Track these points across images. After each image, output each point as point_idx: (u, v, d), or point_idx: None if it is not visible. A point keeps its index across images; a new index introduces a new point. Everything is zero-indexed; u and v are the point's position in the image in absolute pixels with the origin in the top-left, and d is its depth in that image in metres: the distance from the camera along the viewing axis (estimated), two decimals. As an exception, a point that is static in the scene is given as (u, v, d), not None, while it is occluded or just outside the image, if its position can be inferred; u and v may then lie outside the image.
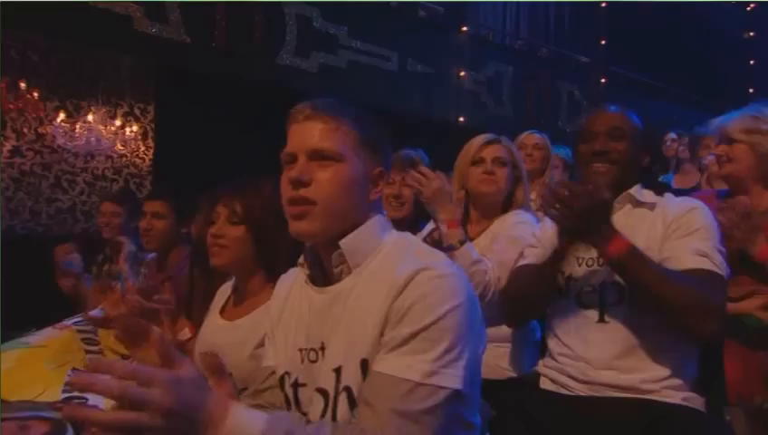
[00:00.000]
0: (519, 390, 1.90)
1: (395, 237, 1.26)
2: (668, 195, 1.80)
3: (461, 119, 7.12)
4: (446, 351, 1.08)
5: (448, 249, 2.00)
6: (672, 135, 4.35)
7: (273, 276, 1.60)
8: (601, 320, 1.69)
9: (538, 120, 7.40)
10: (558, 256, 1.71)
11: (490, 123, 7.23)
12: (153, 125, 6.37)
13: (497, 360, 2.08)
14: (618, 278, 1.65)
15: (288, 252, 1.54)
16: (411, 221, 2.52)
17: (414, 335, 1.08)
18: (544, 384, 1.80)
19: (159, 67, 5.95)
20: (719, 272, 1.57)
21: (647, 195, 1.78)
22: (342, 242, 1.20)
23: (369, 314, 1.14)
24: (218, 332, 1.72)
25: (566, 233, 1.63)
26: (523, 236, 2.01)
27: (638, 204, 1.76)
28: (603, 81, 8.49)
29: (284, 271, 1.40)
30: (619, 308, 1.67)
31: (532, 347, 2.10)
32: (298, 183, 1.18)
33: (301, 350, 1.23)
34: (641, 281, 1.54)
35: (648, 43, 8.57)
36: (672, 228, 1.66)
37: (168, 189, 3.00)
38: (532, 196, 3.31)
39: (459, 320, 1.10)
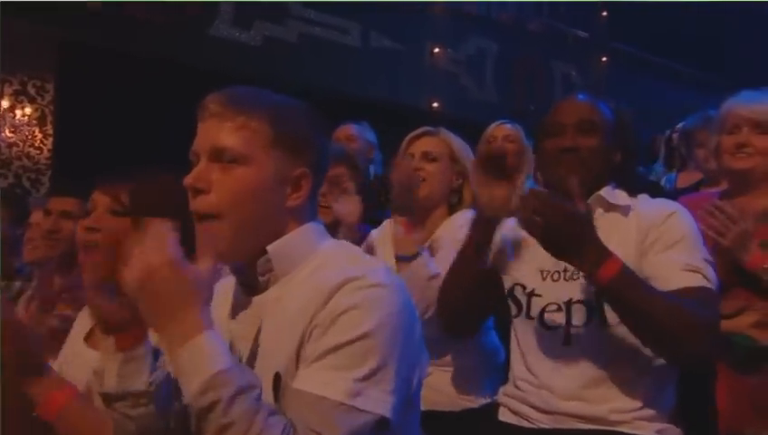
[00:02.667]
0: (474, 422, 1.94)
1: (331, 246, 1.31)
2: (643, 196, 1.85)
3: (435, 105, 7.18)
4: (373, 371, 1.12)
5: (401, 260, 2.03)
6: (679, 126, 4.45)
7: None
8: (567, 343, 1.74)
9: (527, 106, 7.48)
10: (475, 244, 1.79)
11: (470, 110, 7.30)
12: (52, 107, 6.21)
13: (452, 388, 2.12)
14: (586, 295, 1.71)
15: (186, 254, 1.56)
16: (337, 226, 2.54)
17: (337, 349, 1.13)
18: (504, 416, 1.85)
19: (61, 37, 5.84)
20: (711, 287, 1.64)
21: (619, 196, 1.83)
22: (271, 247, 1.25)
23: (288, 325, 1.19)
24: (86, 365, 1.57)
25: (550, 252, 1.65)
26: None
27: (609, 207, 1.81)
28: (604, 60, 8.62)
29: None
30: (588, 329, 1.72)
31: (494, 372, 2.15)
32: (194, 189, 1.23)
33: None
34: (635, 308, 1.57)
35: (657, 15, 8.68)
36: (650, 240, 1.71)
37: (78, 184, 2.98)
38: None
39: (390, 337, 1.14)
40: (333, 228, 2.41)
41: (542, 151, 1.87)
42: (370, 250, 2.31)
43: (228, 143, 1.23)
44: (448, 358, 2.15)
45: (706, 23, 9.21)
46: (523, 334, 1.84)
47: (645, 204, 1.82)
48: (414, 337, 1.21)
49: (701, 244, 1.72)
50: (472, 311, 1.91)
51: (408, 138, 2.33)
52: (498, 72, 7.80)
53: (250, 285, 1.29)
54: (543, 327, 1.77)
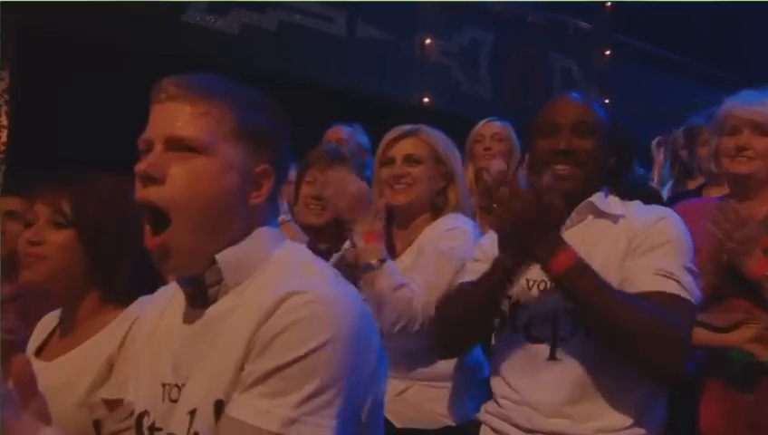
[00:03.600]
0: (454, 441, 1.95)
1: (285, 251, 1.30)
2: (636, 203, 1.87)
3: (426, 100, 7.18)
4: (313, 394, 1.11)
5: (365, 269, 2.04)
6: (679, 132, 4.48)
7: (112, 298, 1.61)
8: (552, 357, 1.76)
9: (524, 102, 7.48)
10: (503, 269, 1.77)
11: (463, 106, 7.30)
12: (7, 96, 6.13)
13: (431, 404, 2.13)
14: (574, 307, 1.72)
15: (133, 266, 1.57)
16: (335, 229, 2.56)
17: (275, 372, 1.12)
18: (485, 434, 1.86)
19: (19, 22, 5.77)
20: (686, 296, 1.65)
21: (611, 204, 1.85)
22: (220, 256, 1.23)
23: (233, 344, 1.18)
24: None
25: (501, 243, 1.70)
26: (458, 246, 2.07)
27: (600, 214, 1.83)
28: (607, 53, 8.63)
29: (127, 291, 1.44)
30: (574, 342, 1.74)
31: (476, 388, 2.16)
32: (146, 177, 1.21)
33: (164, 385, 1.27)
34: (588, 303, 1.61)
35: (665, 6, 8.69)
36: (635, 244, 1.73)
37: (28, 182, 2.96)
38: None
39: (336, 356, 1.13)
40: (325, 231, 2.42)
41: (535, 152, 1.89)
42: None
43: (188, 130, 1.21)
44: (427, 372, 2.16)
45: (718, 14, 9.24)
46: (506, 348, 1.85)
47: (637, 211, 1.84)
48: (369, 353, 1.20)
49: (686, 252, 1.74)
50: (474, 332, 1.93)
51: (386, 139, 2.33)
52: (493, 65, 7.79)
53: (199, 297, 1.28)
54: (529, 341, 1.79)
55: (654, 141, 4.74)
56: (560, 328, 1.76)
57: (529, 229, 1.63)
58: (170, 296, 1.39)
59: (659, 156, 4.67)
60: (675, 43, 8.94)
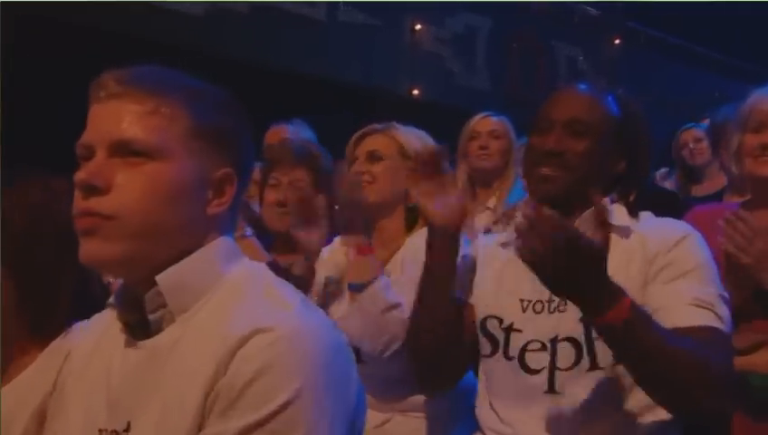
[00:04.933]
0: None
1: (241, 271, 1.26)
2: (646, 215, 1.84)
3: (415, 92, 7.20)
4: None
5: (359, 288, 2.02)
6: (697, 131, 4.50)
7: (41, 333, 1.52)
8: (551, 390, 1.72)
9: (525, 95, 7.49)
10: (439, 270, 1.76)
11: (457, 98, 7.32)
12: None
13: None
14: (575, 330, 1.69)
15: (74, 293, 1.50)
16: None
17: (252, 430, 1.07)
18: (472, 469, 1.84)
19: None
20: (723, 328, 1.63)
21: (618, 214, 1.82)
22: (161, 277, 1.18)
23: (190, 386, 1.12)
24: None
25: (548, 287, 1.59)
26: None
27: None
28: (617, 42, 8.68)
29: (62, 324, 1.39)
30: (575, 373, 1.71)
31: (466, 416, 2.12)
32: (88, 188, 1.15)
33: (101, 431, 1.21)
34: (644, 356, 1.54)
35: (681, -10, 8.75)
36: (657, 266, 1.70)
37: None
38: (491, 202, 3.39)
39: (318, 398, 1.10)
40: (291, 241, 2.39)
41: (527, 150, 1.87)
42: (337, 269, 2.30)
43: (136, 132, 1.17)
44: (412, 401, 2.13)
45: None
46: (497, 376, 1.82)
47: (649, 225, 1.81)
48: (349, 387, 1.17)
49: (715, 275, 1.72)
50: (450, 359, 1.88)
51: (353, 138, 2.32)
52: (491, 54, 7.82)
53: (137, 326, 1.24)
54: (524, 370, 1.76)
55: (658, 174, 4.77)
56: (559, 356, 1.73)
57: (578, 280, 1.48)
58: (107, 323, 1.32)
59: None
60: (692, 31, 8.97)
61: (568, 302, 1.67)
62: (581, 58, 8.49)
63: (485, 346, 1.83)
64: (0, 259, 1.51)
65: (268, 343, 1.10)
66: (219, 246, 1.25)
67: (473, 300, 1.87)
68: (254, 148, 1.34)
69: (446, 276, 1.79)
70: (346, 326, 1.98)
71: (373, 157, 2.25)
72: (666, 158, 4.80)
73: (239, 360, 1.09)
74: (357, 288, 2.02)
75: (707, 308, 1.63)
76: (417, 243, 2.19)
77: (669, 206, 2.00)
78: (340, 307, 2.15)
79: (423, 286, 1.82)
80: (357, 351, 2.06)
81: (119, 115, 1.18)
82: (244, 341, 1.10)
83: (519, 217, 1.59)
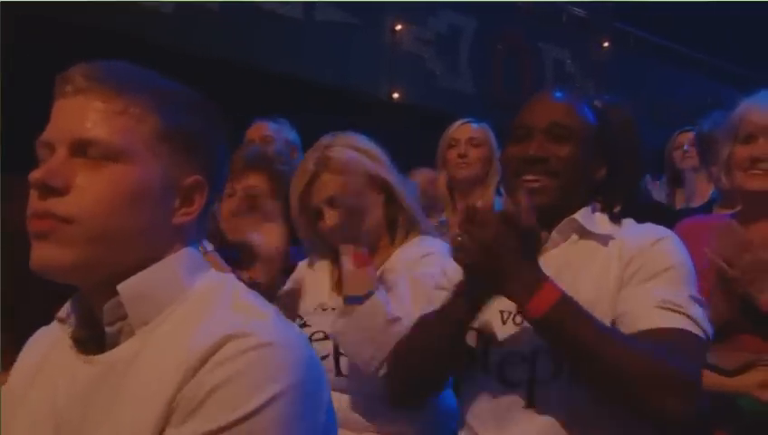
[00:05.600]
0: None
1: (209, 283, 1.25)
2: (629, 222, 1.86)
3: (396, 95, 7.21)
4: None
5: (354, 301, 2.01)
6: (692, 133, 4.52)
7: None
8: (530, 405, 1.72)
9: (510, 98, 7.51)
10: (469, 299, 1.73)
11: (439, 101, 7.33)
12: None
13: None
14: None
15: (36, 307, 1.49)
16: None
17: None
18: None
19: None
20: (696, 332, 1.63)
21: (599, 222, 1.83)
22: (123, 286, 1.17)
23: (150, 403, 1.11)
24: None
25: (468, 278, 1.67)
26: (437, 273, 2.05)
27: (586, 234, 1.81)
28: (606, 44, 8.72)
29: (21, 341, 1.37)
30: (556, 386, 1.71)
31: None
32: (45, 188, 1.14)
33: None
34: (576, 348, 1.57)
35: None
36: (631, 270, 1.71)
37: None
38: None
39: (286, 413, 1.09)
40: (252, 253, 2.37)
41: (504, 160, 1.88)
42: (297, 287, 2.30)
43: (100, 131, 1.15)
44: (390, 422, 2.12)
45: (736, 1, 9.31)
46: (475, 393, 1.82)
47: (629, 231, 1.82)
48: (321, 404, 1.16)
49: (691, 279, 1.72)
50: (434, 377, 1.88)
51: (296, 186, 2.27)
52: (475, 55, 7.84)
53: (92, 339, 1.22)
54: (503, 384, 1.76)
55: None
56: (539, 369, 1.72)
57: (498, 262, 1.58)
58: (54, 338, 1.30)
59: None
60: (685, 33, 9.03)
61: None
62: (569, 60, 8.54)
63: (465, 359, 1.83)
64: (0, 260, 1.52)
65: (241, 348, 1.09)
66: (184, 256, 1.24)
67: None
68: (228, 154, 1.34)
69: (476, 311, 1.76)
70: (343, 341, 1.99)
71: (333, 204, 2.21)
72: (657, 164, 4.81)
73: (208, 367, 1.08)
74: (355, 301, 2.01)
75: (675, 311, 1.62)
76: (408, 255, 2.19)
77: (659, 218, 2.00)
78: (326, 320, 2.14)
79: (441, 314, 1.78)
80: (338, 364, 2.06)
81: (83, 112, 1.17)
82: (215, 348, 1.09)
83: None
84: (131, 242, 1.18)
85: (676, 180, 4.45)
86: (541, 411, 1.71)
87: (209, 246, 2.54)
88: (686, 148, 4.45)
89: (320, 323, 2.16)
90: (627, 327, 1.63)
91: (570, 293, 1.61)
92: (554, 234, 1.81)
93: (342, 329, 2.00)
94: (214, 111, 1.29)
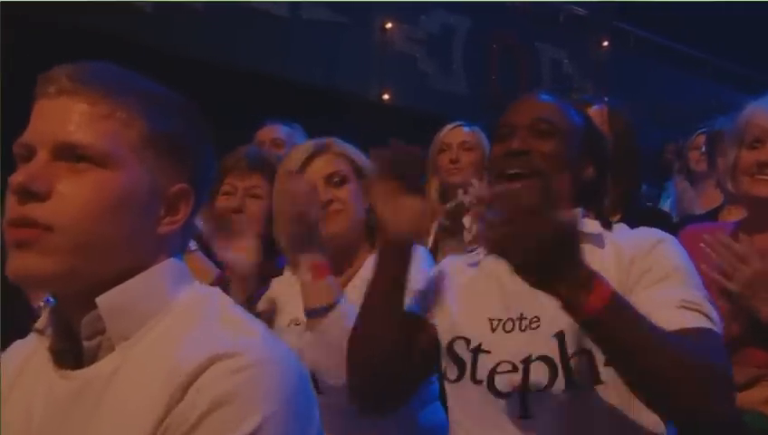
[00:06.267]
0: None
1: (193, 296, 1.25)
2: (620, 226, 1.87)
3: (386, 96, 7.23)
4: None
5: (315, 314, 2.01)
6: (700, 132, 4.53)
7: None
8: (525, 415, 1.72)
9: (506, 100, 7.48)
10: (388, 278, 1.78)
11: (431, 103, 7.33)
12: None
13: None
14: (549, 349, 1.70)
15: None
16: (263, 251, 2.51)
17: None
18: None
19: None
20: (716, 328, 1.64)
21: (590, 224, 1.84)
22: (102, 299, 1.17)
23: (132, 421, 1.10)
24: None
25: (525, 277, 1.58)
26: (414, 277, 2.05)
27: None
28: (606, 43, 8.76)
29: None
30: (551, 395, 1.70)
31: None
32: (25, 193, 1.13)
33: None
34: (630, 348, 1.54)
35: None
36: (636, 273, 1.71)
37: None
38: (465, 220, 3.39)
39: (279, 433, 1.09)
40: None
41: (489, 162, 1.91)
42: (271, 305, 2.30)
43: (85, 135, 1.15)
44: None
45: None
46: (464, 404, 1.82)
47: (623, 234, 1.83)
48: (311, 424, 1.16)
49: (697, 278, 1.73)
50: (393, 376, 1.88)
51: (295, 164, 2.28)
52: (469, 55, 7.86)
53: (69, 353, 1.22)
54: (494, 394, 1.76)
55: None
56: (532, 378, 1.73)
57: (552, 258, 1.48)
58: (30, 352, 1.30)
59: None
60: (687, 33, 9.05)
61: (540, 319, 1.71)
62: (567, 61, 8.56)
63: (452, 371, 1.82)
64: (1, 261, 1.51)
65: (229, 369, 1.08)
66: (168, 267, 1.23)
67: (438, 321, 1.88)
68: (214, 161, 1.34)
69: (395, 286, 1.79)
70: (308, 356, 1.98)
71: (332, 181, 2.24)
72: (656, 168, 4.83)
73: (195, 390, 1.08)
74: (317, 313, 2.01)
75: (696, 310, 1.63)
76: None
77: (660, 226, 2.00)
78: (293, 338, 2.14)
79: (369, 294, 1.82)
80: (315, 381, 2.06)
81: (67, 115, 1.16)
82: (201, 369, 1.08)
83: (470, 200, 1.61)
84: (114, 252, 1.18)
85: (691, 182, 4.47)
86: (535, 423, 1.70)
87: (193, 245, 2.55)
88: (703, 149, 4.45)
89: (293, 340, 2.15)
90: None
91: None
92: None
93: (306, 345, 2.00)
94: (199, 116, 1.29)
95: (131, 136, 1.19)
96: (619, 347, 1.56)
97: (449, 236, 2.72)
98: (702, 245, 2.13)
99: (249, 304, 2.23)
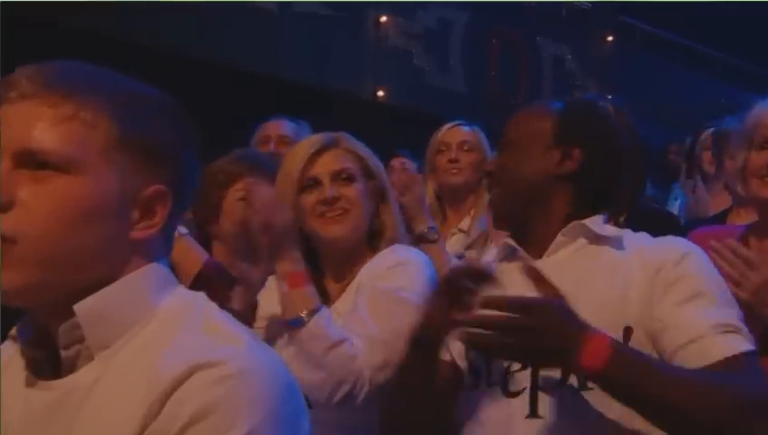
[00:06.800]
0: None
1: (177, 301, 1.23)
2: (630, 232, 1.87)
3: (380, 93, 7.24)
4: None
5: (293, 324, 2.00)
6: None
7: None
8: (533, 414, 1.72)
9: (506, 99, 7.55)
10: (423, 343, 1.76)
11: (427, 101, 7.35)
12: None
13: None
14: None
15: None
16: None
17: None
18: None
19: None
20: (754, 348, 1.66)
21: (607, 229, 1.86)
22: (79, 307, 1.15)
23: (107, 431, 1.10)
24: None
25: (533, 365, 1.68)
26: (407, 286, 2.06)
27: (596, 239, 1.84)
28: (610, 39, 8.78)
29: None
30: (561, 395, 1.71)
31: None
32: None
33: None
34: (640, 396, 1.57)
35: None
36: (662, 283, 1.72)
37: None
38: (464, 224, 3.39)
39: None
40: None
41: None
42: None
43: (48, 140, 1.13)
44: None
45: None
46: (477, 407, 1.82)
47: (646, 240, 1.86)
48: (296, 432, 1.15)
49: (728, 293, 1.76)
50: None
51: (300, 156, 2.28)
52: (467, 52, 7.86)
53: (47, 363, 1.20)
54: (504, 394, 1.77)
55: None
56: (542, 378, 1.73)
57: (543, 355, 1.58)
58: (6, 359, 1.28)
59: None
60: (695, 29, 9.08)
61: None
62: (570, 57, 8.59)
63: (468, 379, 1.84)
64: None
65: (211, 379, 1.07)
66: (149, 273, 1.22)
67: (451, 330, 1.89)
68: (197, 161, 1.32)
69: (430, 367, 1.79)
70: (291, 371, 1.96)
71: (341, 178, 2.23)
72: (658, 169, 4.83)
73: (175, 401, 1.07)
74: (294, 324, 2.00)
75: (735, 332, 1.65)
76: (377, 267, 2.18)
77: (667, 229, 2.00)
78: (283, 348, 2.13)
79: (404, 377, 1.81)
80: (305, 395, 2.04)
81: (29, 120, 1.15)
82: (183, 377, 1.07)
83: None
84: (86, 261, 1.16)
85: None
86: (544, 422, 1.72)
87: (183, 230, 2.53)
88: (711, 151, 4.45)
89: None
90: (696, 357, 1.63)
91: (572, 298, 1.62)
92: (559, 237, 1.83)
93: (287, 358, 1.98)
94: (179, 114, 1.27)
95: (98, 139, 1.16)
96: (632, 398, 1.58)
97: (428, 242, 2.74)
98: (710, 251, 2.12)
99: (246, 312, 2.23)
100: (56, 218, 1.13)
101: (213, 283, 2.40)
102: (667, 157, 5.24)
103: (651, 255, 1.77)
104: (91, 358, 1.16)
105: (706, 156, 4.47)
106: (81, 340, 1.16)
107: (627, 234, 1.87)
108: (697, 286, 1.71)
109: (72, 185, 1.14)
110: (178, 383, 1.07)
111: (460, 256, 3.00)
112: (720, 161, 3.73)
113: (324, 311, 2.02)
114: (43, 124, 1.14)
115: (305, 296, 2.03)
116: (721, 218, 3.34)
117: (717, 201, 4.14)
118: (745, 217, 2.84)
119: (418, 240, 2.68)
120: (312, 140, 2.29)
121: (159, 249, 1.25)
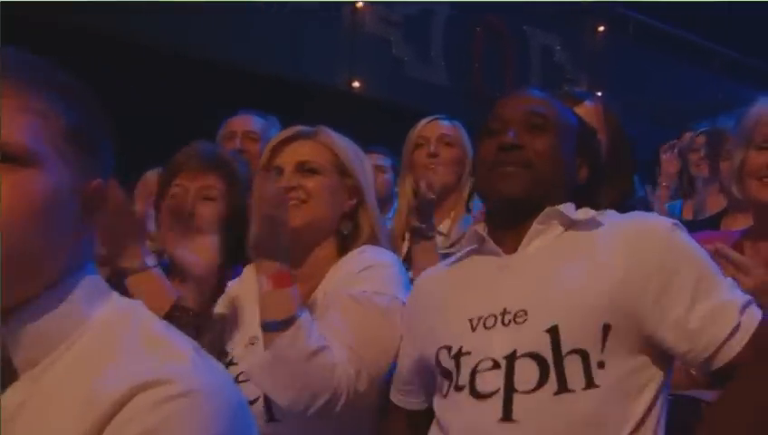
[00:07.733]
0: None
1: (111, 311, 1.22)
2: (612, 212, 1.90)
3: (356, 84, 7.25)
4: None
5: (272, 328, 1.99)
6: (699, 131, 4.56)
7: None
8: (507, 417, 1.72)
9: (491, 92, 7.52)
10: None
11: (407, 93, 7.34)
12: None
13: None
14: (538, 345, 1.71)
15: None
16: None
17: None
18: None
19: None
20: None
21: (581, 212, 1.88)
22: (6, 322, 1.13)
23: None
24: None
25: None
26: (379, 290, 2.08)
27: (571, 225, 1.86)
28: (601, 29, 8.81)
29: None
30: (539, 397, 1.71)
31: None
32: None
33: None
34: None
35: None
36: (661, 271, 1.73)
37: None
38: (444, 226, 3.39)
39: None
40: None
41: (477, 157, 1.94)
42: (227, 313, 2.30)
43: (8, 132, 1.13)
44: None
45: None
46: (446, 413, 1.83)
47: (622, 215, 1.88)
48: None
49: (714, 264, 1.80)
50: None
51: (271, 143, 2.31)
52: (450, 41, 7.87)
53: None
54: (474, 396, 1.76)
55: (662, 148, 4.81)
56: (518, 376, 1.73)
57: None
58: None
59: (669, 168, 4.73)
60: (691, 20, 9.09)
61: (528, 312, 1.74)
62: (559, 48, 8.60)
63: (441, 385, 1.85)
64: None
65: (156, 401, 1.06)
66: (80, 279, 1.21)
67: (424, 336, 1.93)
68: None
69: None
70: (260, 377, 1.97)
71: (305, 169, 2.24)
72: (654, 169, 4.86)
73: (115, 426, 1.05)
74: (274, 327, 2.00)
75: (750, 304, 1.73)
76: (345, 271, 2.18)
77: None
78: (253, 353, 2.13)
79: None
80: (269, 408, 2.05)
81: None
82: (122, 402, 1.06)
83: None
84: (43, 262, 1.16)
85: (691, 188, 4.49)
86: (519, 426, 1.71)
87: (150, 260, 2.45)
88: (703, 152, 4.48)
89: (249, 360, 2.13)
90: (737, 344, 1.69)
91: (552, 283, 1.70)
92: (535, 225, 1.84)
93: (259, 365, 1.99)
94: (98, 102, 1.27)
95: (54, 130, 1.17)
96: None
97: (423, 239, 2.74)
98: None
99: (204, 310, 2.23)
100: (18, 214, 1.12)
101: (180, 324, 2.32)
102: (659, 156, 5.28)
103: (632, 230, 1.80)
104: (16, 378, 1.13)
105: (694, 157, 4.51)
106: (7, 357, 1.13)
107: (600, 214, 1.88)
108: (696, 271, 1.74)
109: (31, 178, 1.13)
110: (119, 406, 1.05)
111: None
112: (714, 162, 3.75)
113: (307, 315, 2.03)
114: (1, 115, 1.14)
115: (289, 298, 2.02)
116: (714, 222, 3.35)
117: (710, 204, 4.18)
118: (742, 222, 2.87)
119: (413, 233, 2.75)
120: (288, 130, 2.32)
121: (90, 251, 1.25)
